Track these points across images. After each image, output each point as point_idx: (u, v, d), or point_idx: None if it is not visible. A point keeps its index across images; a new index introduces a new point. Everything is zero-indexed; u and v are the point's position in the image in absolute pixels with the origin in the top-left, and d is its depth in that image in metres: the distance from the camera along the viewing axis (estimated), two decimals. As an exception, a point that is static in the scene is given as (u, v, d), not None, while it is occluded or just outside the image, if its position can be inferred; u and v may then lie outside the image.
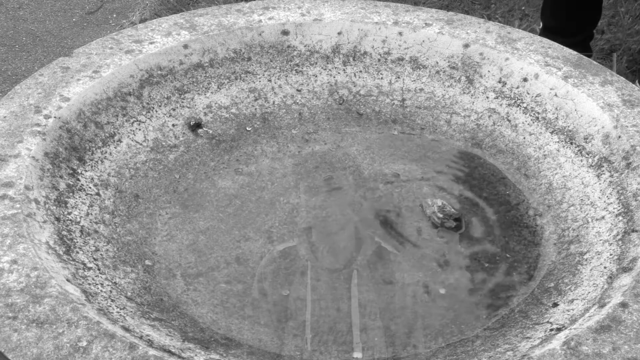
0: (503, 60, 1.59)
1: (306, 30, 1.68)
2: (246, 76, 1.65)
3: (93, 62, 1.51)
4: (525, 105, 1.56)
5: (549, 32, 2.37)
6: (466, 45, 1.63)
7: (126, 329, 1.04)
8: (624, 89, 1.47)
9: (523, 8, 2.95)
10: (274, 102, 1.65)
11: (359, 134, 1.62)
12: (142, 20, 2.97)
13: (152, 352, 0.96)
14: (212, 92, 1.62)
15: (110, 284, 1.18)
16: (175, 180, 1.47)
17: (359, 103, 1.67)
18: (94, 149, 1.40)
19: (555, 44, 1.63)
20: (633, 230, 1.23)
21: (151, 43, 1.58)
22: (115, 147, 1.44)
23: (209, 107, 1.61)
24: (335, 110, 1.66)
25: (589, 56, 2.27)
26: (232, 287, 1.26)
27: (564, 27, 2.33)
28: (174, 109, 1.56)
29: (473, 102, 1.62)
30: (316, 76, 1.68)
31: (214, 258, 1.32)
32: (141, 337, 1.03)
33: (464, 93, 1.63)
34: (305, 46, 1.68)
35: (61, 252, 1.16)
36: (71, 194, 1.30)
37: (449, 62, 1.64)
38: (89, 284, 1.14)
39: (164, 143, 1.52)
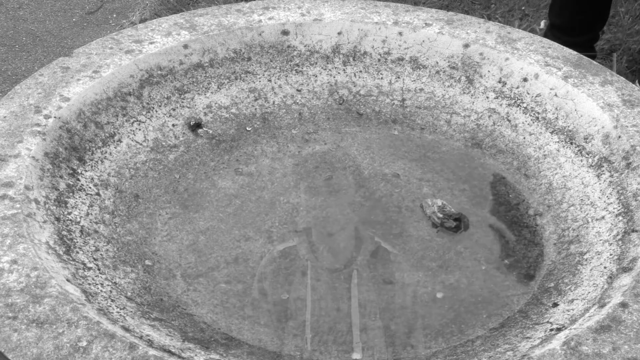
0: (503, 60, 1.59)
1: (306, 30, 1.68)
2: (246, 76, 1.65)
3: (93, 62, 1.51)
4: (525, 105, 1.56)
5: (555, 30, 2.37)
6: (466, 45, 1.63)
7: (126, 329, 1.04)
8: (624, 89, 1.47)
9: (523, 8, 2.95)
10: (274, 102, 1.65)
11: (359, 134, 1.62)
12: (142, 20, 2.97)
13: (152, 352, 0.96)
14: (212, 92, 1.62)
15: (110, 284, 1.18)
16: (175, 180, 1.47)
17: (359, 103, 1.67)
18: (94, 149, 1.40)
19: (555, 44, 1.63)
20: (633, 230, 1.23)
21: (151, 43, 1.58)
22: (115, 147, 1.44)
23: (209, 107, 1.61)
24: (335, 110, 1.66)
25: (593, 57, 2.27)
26: (232, 287, 1.26)
27: (571, 26, 2.32)
28: (174, 109, 1.56)
29: (473, 102, 1.62)
30: (316, 76, 1.68)
31: (214, 258, 1.32)
32: (141, 337, 1.03)
33: (464, 93, 1.63)
34: (305, 46, 1.68)
35: (61, 252, 1.16)
36: (71, 194, 1.30)
37: (449, 62, 1.64)
38: (89, 284, 1.14)
39: (164, 143, 1.52)
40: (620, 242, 1.23)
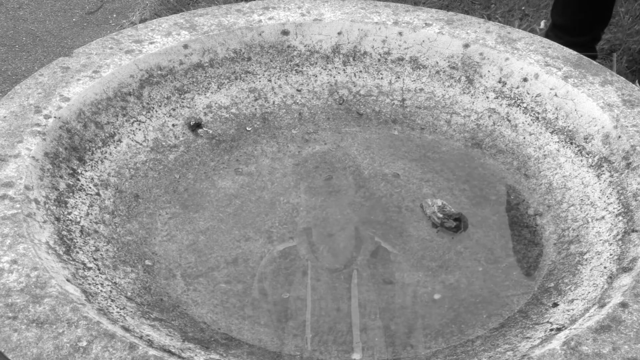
0: (503, 60, 1.59)
1: (306, 30, 1.68)
2: (246, 76, 1.65)
3: (93, 62, 1.51)
4: (525, 105, 1.56)
5: (557, 29, 2.37)
6: (466, 45, 1.63)
7: (126, 329, 1.04)
8: (624, 89, 1.47)
9: (523, 8, 2.95)
10: (274, 102, 1.65)
11: (359, 134, 1.62)
12: (142, 20, 2.97)
13: (152, 352, 0.96)
14: (212, 92, 1.62)
15: (110, 284, 1.18)
16: (175, 180, 1.47)
17: (359, 103, 1.67)
18: (94, 149, 1.40)
19: (555, 44, 1.63)
20: (633, 230, 1.23)
21: (151, 43, 1.58)
22: (115, 147, 1.44)
23: (209, 107, 1.61)
24: (335, 110, 1.66)
25: (594, 57, 2.26)
26: (232, 287, 1.26)
27: (573, 26, 2.32)
28: (174, 109, 1.56)
29: (473, 102, 1.62)
30: (316, 76, 1.68)
31: (214, 258, 1.32)
32: (141, 337, 1.03)
33: (464, 93, 1.63)
34: (305, 46, 1.68)
35: (61, 252, 1.16)
36: (71, 194, 1.30)
37: (449, 62, 1.64)
38: (89, 284, 1.14)
39: (164, 143, 1.52)
40: (620, 242, 1.23)
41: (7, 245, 1.09)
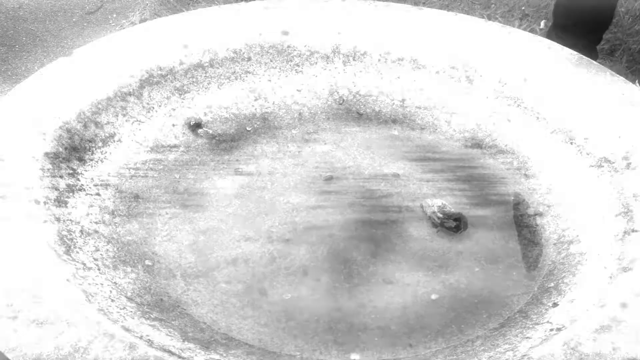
0: (503, 60, 1.59)
1: (306, 30, 1.68)
2: (246, 76, 1.65)
3: (93, 62, 1.51)
4: (525, 105, 1.56)
5: (559, 30, 2.36)
6: (466, 45, 1.63)
7: (126, 329, 1.04)
8: (624, 89, 1.47)
9: (523, 8, 2.95)
10: (273, 102, 1.65)
11: (359, 134, 1.62)
12: (142, 20, 2.97)
13: (152, 352, 0.96)
14: (212, 92, 1.62)
15: (110, 284, 1.18)
16: (175, 180, 1.47)
17: (359, 103, 1.67)
18: (94, 149, 1.40)
19: (555, 44, 1.63)
20: (633, 230, 1.23)
21: (151, 43, 1.58)
22: (115, 147, 1.44)
23: (209, 107, 1.61)
24: (335, 110, 1.66)
25: (594, 58, 2.26)
26: (232, 287, 1.26)
27: (575, 27, 2.32)
28: (174, 109, 1.56)
29: (473, 102, 1.62)
30: (316, 76, 1.68)
31: (214, 258, 1.32)
32: (141, 337, 1.03)
33: (464, 93, 1.63)
34: (305, 46, 1.68)
35: (61, 252, 1.16)
36: (71, 194, 1.30)
37: (449, 62, 1.64)
38: (89, 284, 1.14)
39: (164, 143, 1.52)
40: (620, 242, 1.23)
41: (7, 246, 1.09)
